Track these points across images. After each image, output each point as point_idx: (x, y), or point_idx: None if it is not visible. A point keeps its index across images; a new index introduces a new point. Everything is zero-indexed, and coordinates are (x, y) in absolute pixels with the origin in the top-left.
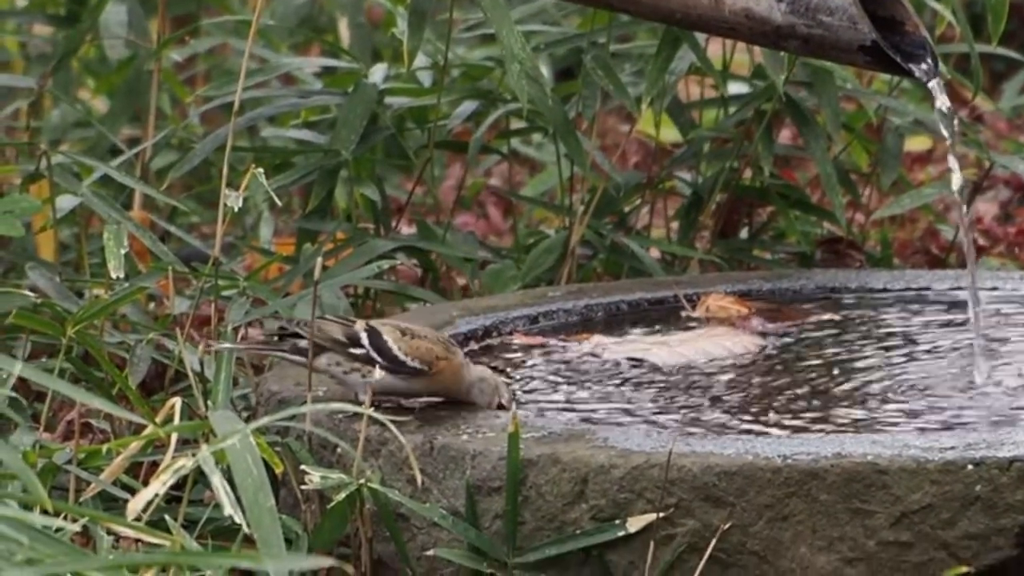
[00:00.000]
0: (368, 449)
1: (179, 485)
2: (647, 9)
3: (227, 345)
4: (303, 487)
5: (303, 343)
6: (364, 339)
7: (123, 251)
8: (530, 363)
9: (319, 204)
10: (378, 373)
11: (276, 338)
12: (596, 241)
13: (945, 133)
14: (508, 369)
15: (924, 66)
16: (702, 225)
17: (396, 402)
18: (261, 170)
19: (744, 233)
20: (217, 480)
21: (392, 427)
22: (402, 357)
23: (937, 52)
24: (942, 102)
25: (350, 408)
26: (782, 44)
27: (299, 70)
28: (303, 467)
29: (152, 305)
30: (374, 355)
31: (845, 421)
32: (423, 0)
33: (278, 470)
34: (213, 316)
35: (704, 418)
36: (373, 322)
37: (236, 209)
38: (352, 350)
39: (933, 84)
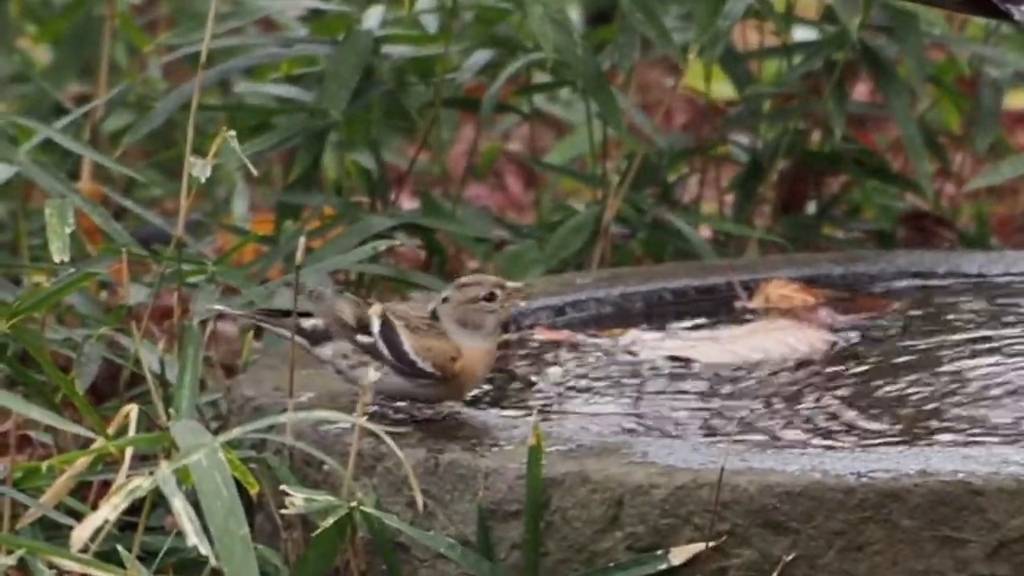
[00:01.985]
0: (361, 466)
1: (134, 509)
2: None
3: (217, 307)
4: (283, 511)
5: (309, 323)
6: (375, 326)
7: (69, 230)
8: (554, 362)
9: (303, 173)
10: (372, 374)
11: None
12: (634, 218)
13: None
14: (528, 369)
15: None
16: (761, 198)
17: (408, 412)
18: (234, 133)
19: (812, 208)
20: (179, 503)
21: (389, 440)
22: (413, 357)
23: None
24: None
25: (339, 417)
26: None
27: (280, 14)
28: (283, 488)
29: (104, 295)
30: (383, 348)
31: (931, 432)
32: None
33: (253, 491)
34: (176, 307)
35: (762, 428)
36: (391, 311)
37: (204, 180)
38: (360, 337)
39: None
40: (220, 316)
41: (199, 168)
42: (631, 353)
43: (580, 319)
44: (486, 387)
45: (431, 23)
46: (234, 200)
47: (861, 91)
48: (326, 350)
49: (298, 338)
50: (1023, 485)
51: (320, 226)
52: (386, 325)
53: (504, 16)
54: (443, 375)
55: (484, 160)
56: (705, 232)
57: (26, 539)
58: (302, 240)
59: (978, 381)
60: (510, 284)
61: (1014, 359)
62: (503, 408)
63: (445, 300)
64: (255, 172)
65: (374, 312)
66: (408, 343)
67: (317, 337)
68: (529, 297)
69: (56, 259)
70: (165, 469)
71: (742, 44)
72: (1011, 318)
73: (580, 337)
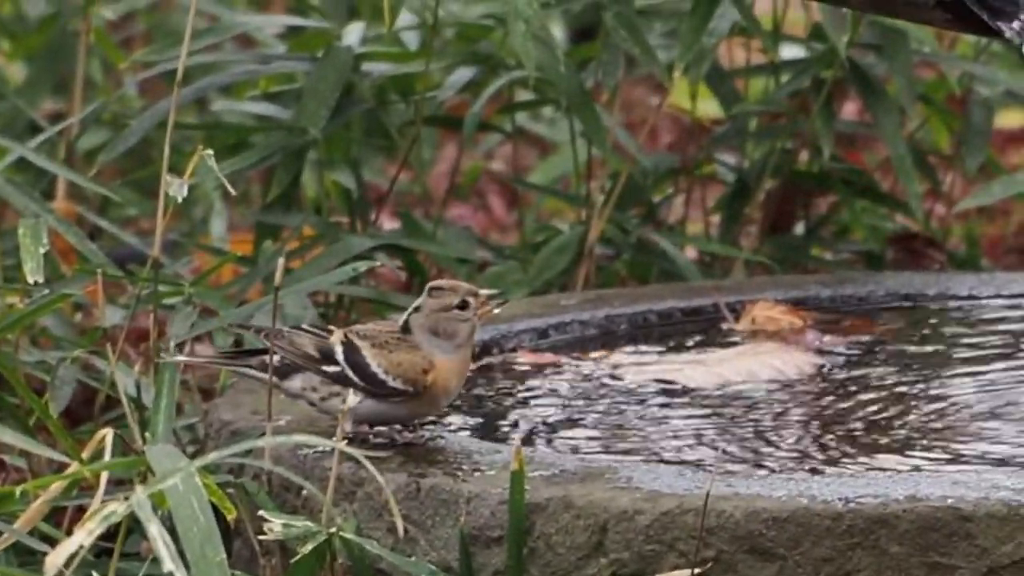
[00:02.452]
0: (341, 491)
1: (110, 535)
2: None
3: (179, 357)
4: (261, 537)
5: (275, 358)
6: (339, 354)
7: (43, 251)
8: (538, 386)
9: (282, 193)
10: (351, 399)
11: (234, 351)
12: (619, 238)
13: None
14: (511, 393)
15: (1017, 24)
16: (748, 219)
17: (389, 436)
18: (211, 152)
19: (799, 228)
20: (155, 529)
21: (369, 465)
22: (382, 376)
23: None
24: None
25: (318, 442)
26: None
27: (258, 31)
28: (261, 513)
29: (79, 316)
30: (350, 374)
31: (920, 457)
32: None
33: (230, 516)
34: (152, 329)
35: (749, 453)
36: (354, 332)
37: (180, 199)
38: (325, 367)
39: None
40: (197, 338)
41: (176, 187)
42: (616, 376)
43: (564, 342)
44: (468, 413)
45: (412, 40)
46: (212, 220)
47: (850, 110)
48: (295, 383)
49: (261, 374)
50: (1013, 511)
51: (299, 246)
52: (349, 349)
53: (486, 33)
54: (415, 390)
55: (466, 180)
56: (691, 253)
57: None
58: (281, 261)
59: (969, 405)
60: (484, 292)
61: (1004, 383)
62: (485, 433)
63: (417, 309)
64: (233, 192)
65: (335, 339)
66: (375, 363)
67: (285, 371)
68: (504, 304)
69: (30, 280)
70: (140, 494)
71: (728, 62)
72: (1001, 341)
73: (564, 360)
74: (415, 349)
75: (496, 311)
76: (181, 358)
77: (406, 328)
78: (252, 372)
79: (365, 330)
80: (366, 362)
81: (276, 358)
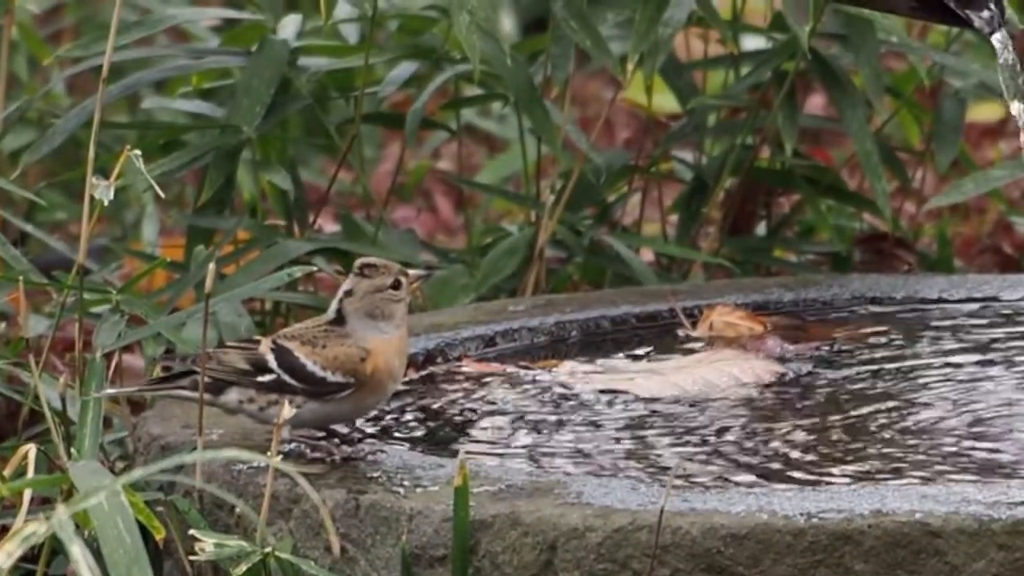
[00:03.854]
0: (276, 509)
1: (33, 556)
2: None
3: (109, 391)
4: (192, 558)
5: (206, 379)
6: (271, 361)
7: None
8: (484, 397)
9: (215, 195)
10: (287, 409)
11: (161, 372)
12: (571, 240)
13: (1008, 97)
14: (455, 404)
15: (986, 14)
16: (707, 219)
17: (327, 450)
18: (139, 152)
19: (761, 229)
20: (77, 551)
21: (303, 481)
22: (320, 373)
23: None
24: (1006, 56)
25: (252, 457)
26: None
27: (191, 23)
28: (192, 532)
29: (1, 326)
30: (286, 378)
31: (886, 470)
32: None
33: (159, 536)
34: (78, 339)
35: (705, 467)
36: (281, 336)
37: (107, 202)
38: (260, 379)
39: (997, 37)
40: (127, 348)
41: (101, 190)
42: (566, 386)
43: (512, 350)
44: (410, 426)
45: (351, 33)
46: (143, 224)
47: (816, 103)
48: (231, 396)
49: (194, 394)
50: (985, 526)
51: (234, 251)
52: (281, 353)
53: (429, 25)
54: (356, 380)
55: (411, 180)
56: (646, 255)
57: None
58: (212, 267)
59: (937, 415)
60: (413, 272)
61: (974, 391)
62: (428, 446)
63: (349, 293)
64: (162, 194)
65: (264, 347)
66: (310, 361)
67: (218, 387)
68: (430, 279)
69: None
70: (62, 513)
71: (685, 54)
72: (974, 345)
73: (512, 369)
74: (345, 338)
75: (416, 293)
76: (110, 391)
77: (339, 315)
78: (185, 393)
79: (291, 331)
80: (301, 362)
81: (207, 379)
